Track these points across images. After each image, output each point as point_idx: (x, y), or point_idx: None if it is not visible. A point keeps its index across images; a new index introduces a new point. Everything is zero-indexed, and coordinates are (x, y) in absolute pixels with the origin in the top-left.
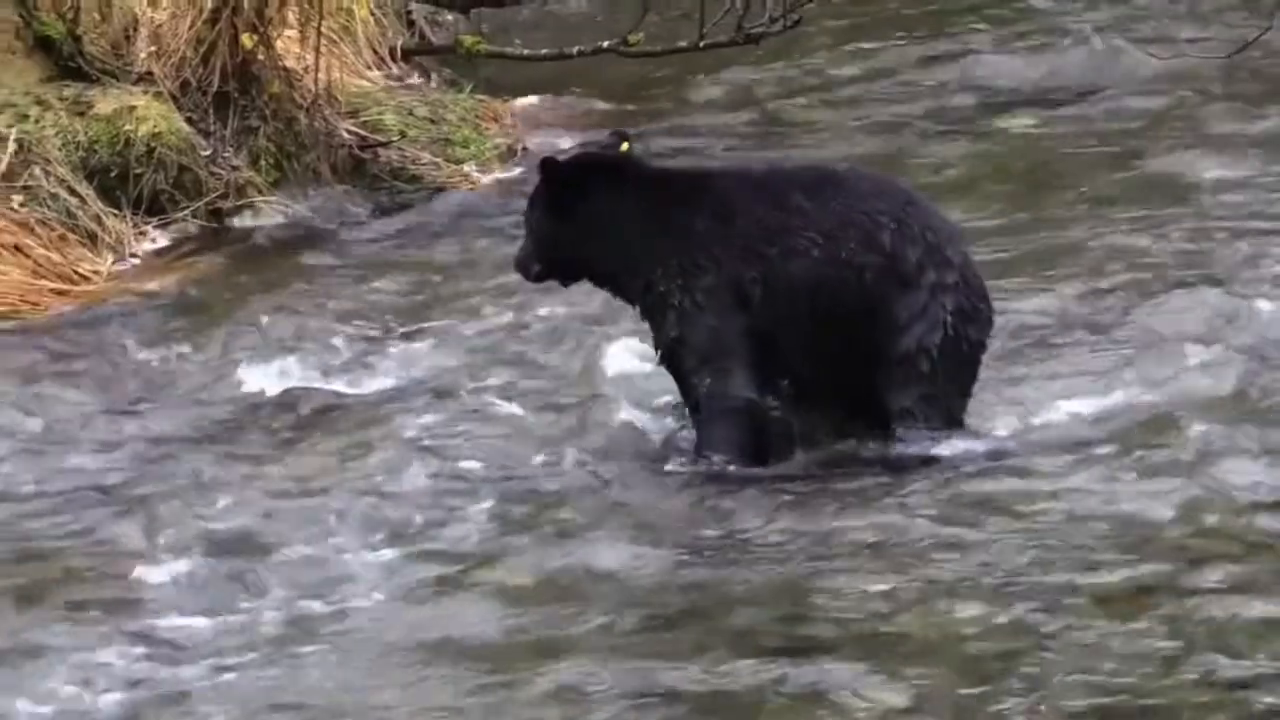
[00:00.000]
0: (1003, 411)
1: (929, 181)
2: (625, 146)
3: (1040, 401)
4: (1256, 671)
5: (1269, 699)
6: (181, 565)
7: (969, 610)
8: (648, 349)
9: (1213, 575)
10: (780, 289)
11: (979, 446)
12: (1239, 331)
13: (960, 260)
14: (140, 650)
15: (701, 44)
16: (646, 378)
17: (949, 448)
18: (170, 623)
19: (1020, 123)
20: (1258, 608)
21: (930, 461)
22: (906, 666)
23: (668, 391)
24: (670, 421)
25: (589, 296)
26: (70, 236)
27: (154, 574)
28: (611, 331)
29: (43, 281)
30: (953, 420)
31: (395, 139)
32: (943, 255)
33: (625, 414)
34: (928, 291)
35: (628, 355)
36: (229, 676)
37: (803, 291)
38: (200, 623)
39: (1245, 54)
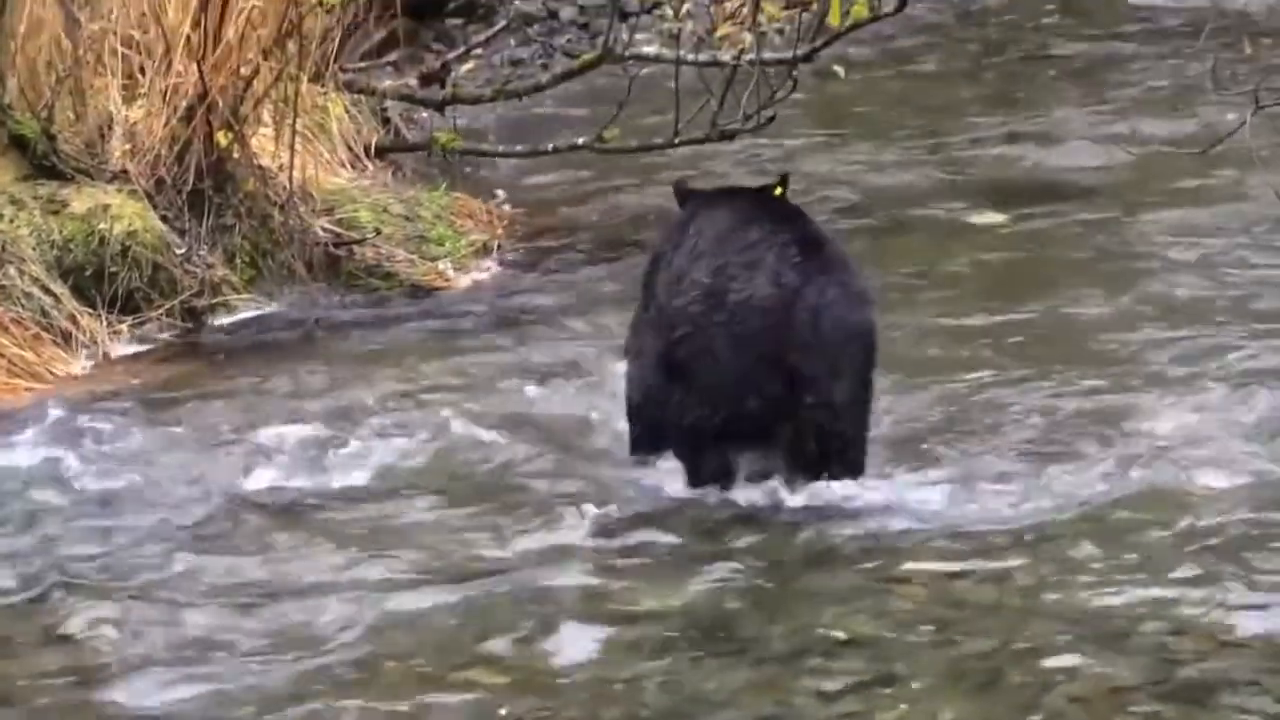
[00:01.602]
0: (966, 498)
1: (898, 280)
2: (779, 190)
3: (1006, 492)
4: None
5: None
6: (152, 664)
7: (945, 713)
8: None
9: (1190, 674)
10: None
11: (938, 534)
12: (1211, 424)
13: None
14: None
15: (676, 140)
16: (625, 478)
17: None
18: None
19: (990, 219)
20: (1236, 706)
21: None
22: None
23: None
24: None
25: (568, 389)
26: (44, 335)
27: (124, 673)
28: (593, 424)
29: (16, 380)
30: None
31: (370, 236)
32: None
33: (603, 512)
34: None
35: (605, 459)
36: None
37: None
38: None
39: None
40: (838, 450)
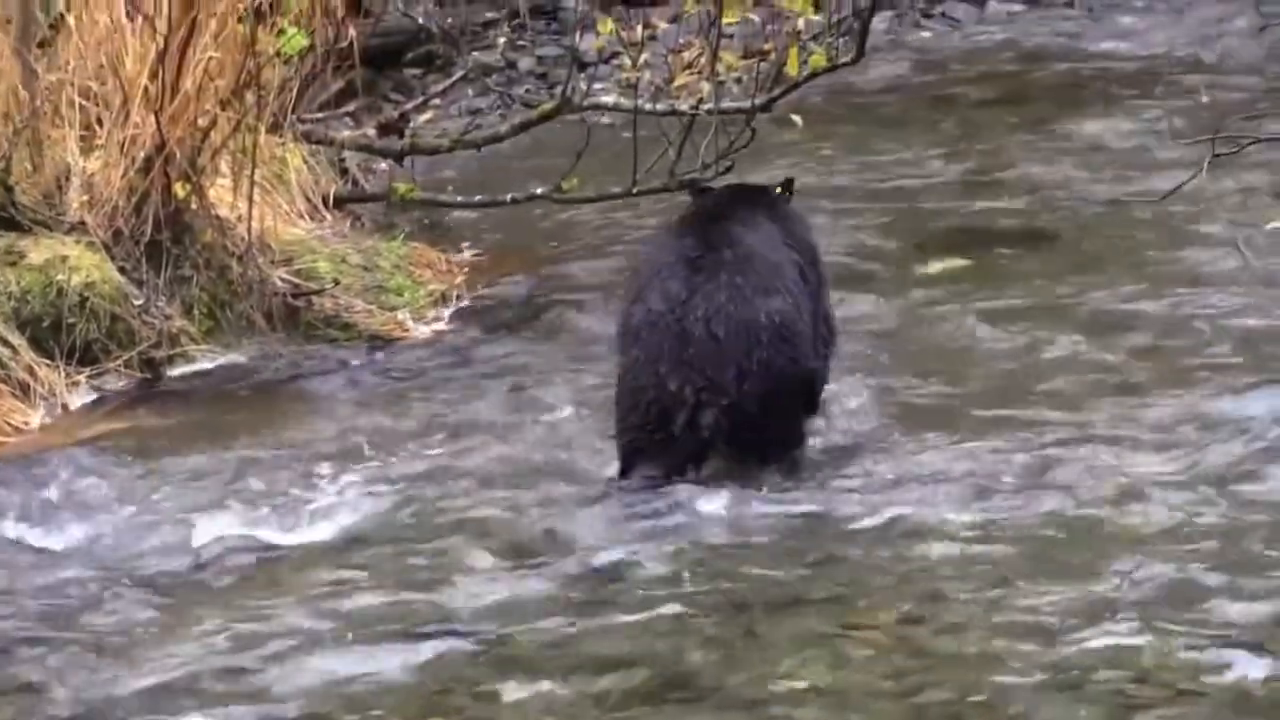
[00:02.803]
0: (922, 545)
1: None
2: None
3: (963, 538)
4: None
5: None
6: (106, 717)
7: None
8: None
9: None
10: None
11: (896, 581)
12: (1168, 470)
13: None
14: None
15: (634, 190)
16: (583, 526)
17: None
18: None
19: (945, 267)
20: None
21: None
22: None
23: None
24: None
25: (526, 439)
26: (2, 387)
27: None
28: (550, 472)
29: None
30: None
31: (328, 287)
32: None
33: (562, 560)
34: None
35: (562, 508)
36: None
37: None
38: None
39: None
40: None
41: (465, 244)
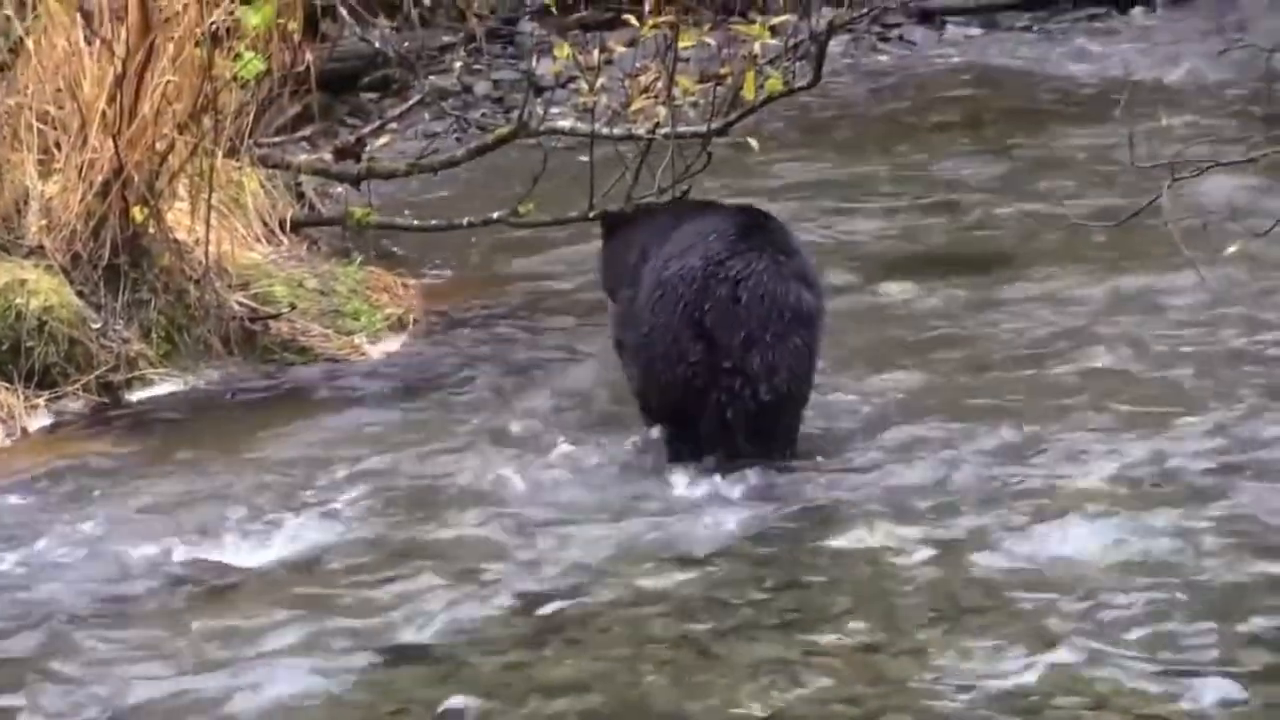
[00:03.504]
0: (883, 568)
1: None
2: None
3: (921, 563)
4: None
5: None
6: None
7: None
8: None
9: None
10: None
11: (855, 605)
12: (1125, 494)
13: None
14: None
15: (591, 214)
16: (539, 546)
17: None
18: None
19: (900, 288)
20: None
21: None
22: None
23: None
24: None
25: (481, 458)
26: None
27: None
28: (506, 492)
29: None
30: None
31: (285, 311)
32: None
33: (519, 581)
34: None
35: (519, 527)
36: None
37: None
38: None
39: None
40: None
41: (424, 268)
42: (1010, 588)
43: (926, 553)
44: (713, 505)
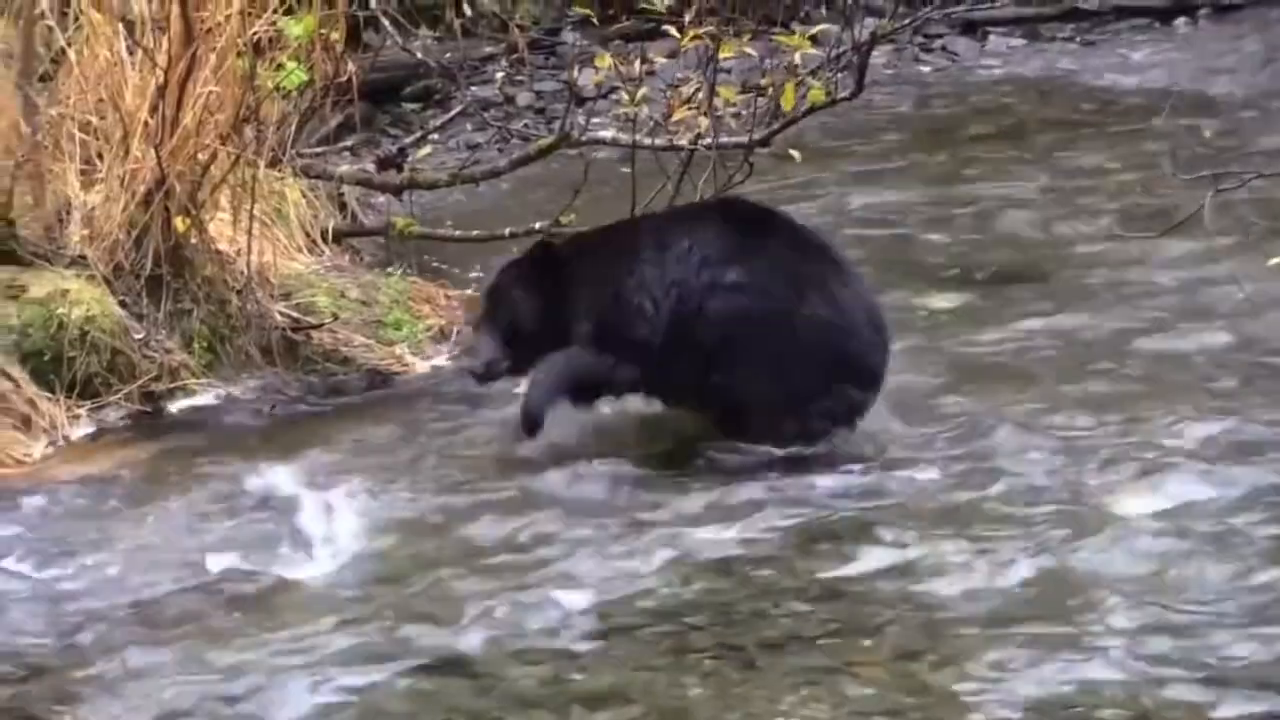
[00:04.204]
0: (927, 577)
1: None
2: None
3: (968, 571)
4: None
5: None
6: None
7: None
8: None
9: None
10: None
11: (898, 613)
12: (1169, 502)
13: None
14: None
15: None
16: (580, 559)
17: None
18: None
19: (942, 297)
20: None
21: None
22: None
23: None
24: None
25: (527, 473)
26: (3, 419)
27: None
28: (550, 504)
29: None
30: None
31: (327, 321)
32: None
33: (562, 594)
34: None
35: (559, 539)
36: None
37: None
38: None
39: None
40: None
41: (464, 279)
42: (1051, 598)
43: (967, 561)
44: (753, 515)
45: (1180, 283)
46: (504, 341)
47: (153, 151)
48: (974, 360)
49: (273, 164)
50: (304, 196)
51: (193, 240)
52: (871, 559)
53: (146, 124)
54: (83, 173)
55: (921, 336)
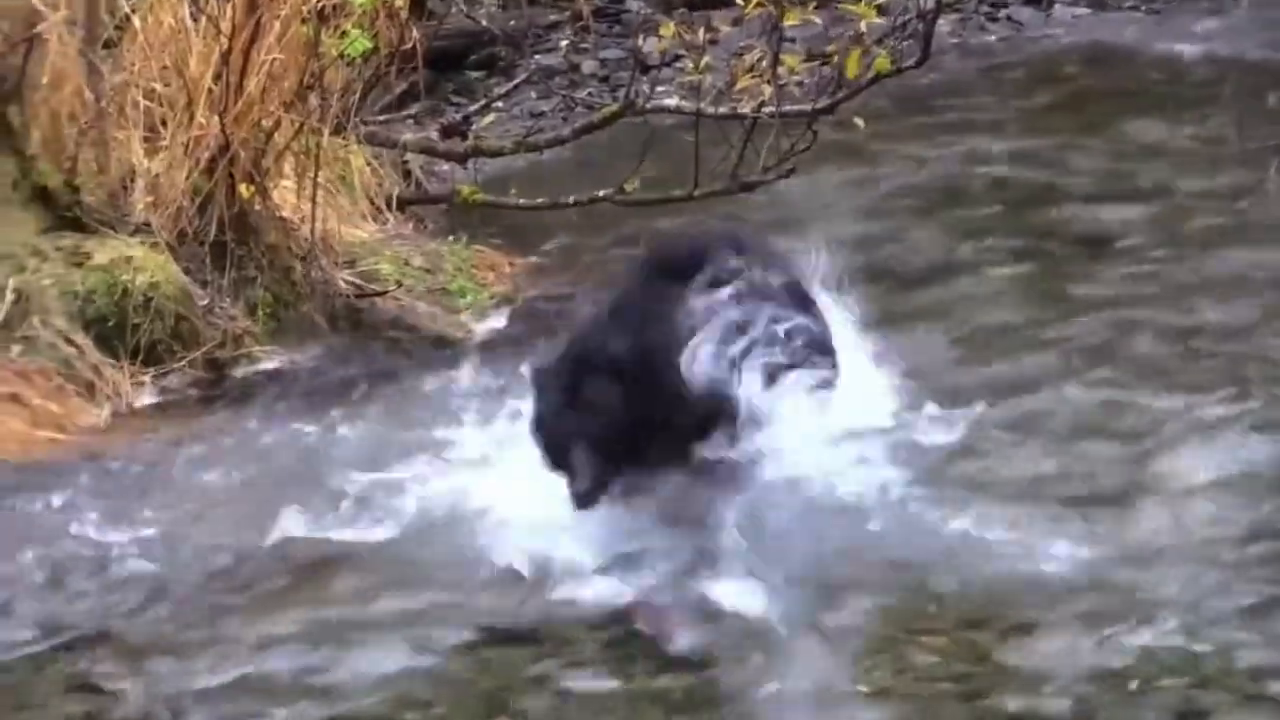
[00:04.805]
0: (988, 545)
1: (919, 337)
2: None
3: (1027, 541)
4: None
5: None
6: (175, 714)
7: None
8: None
9: None
10: None
11: (961, 582)
12: (1238, 466)
13: None
14: None
15: (696, 192)
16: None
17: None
18: None
19: (1007, 270)
20: None
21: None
22: None
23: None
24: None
25: None
26: (68, 386)
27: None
28: None
29: (40, 431)
30: None
31: (392, 289)
32: None
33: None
34: None
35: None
36: None
37: None
38: None
39: None
40: None
41: (528, 247)
42: (1113, 566)
43: (1029, 531)
44: (814, 483)
45: (1247, 251)
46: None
47: (216, 118)
48: (1033, 331)
49: (336, 131)
50: (368, 164)
51: (257, 207)
52: (932, 529)
53: (210, 91)
54: (146, 139)
55: (982, 307)
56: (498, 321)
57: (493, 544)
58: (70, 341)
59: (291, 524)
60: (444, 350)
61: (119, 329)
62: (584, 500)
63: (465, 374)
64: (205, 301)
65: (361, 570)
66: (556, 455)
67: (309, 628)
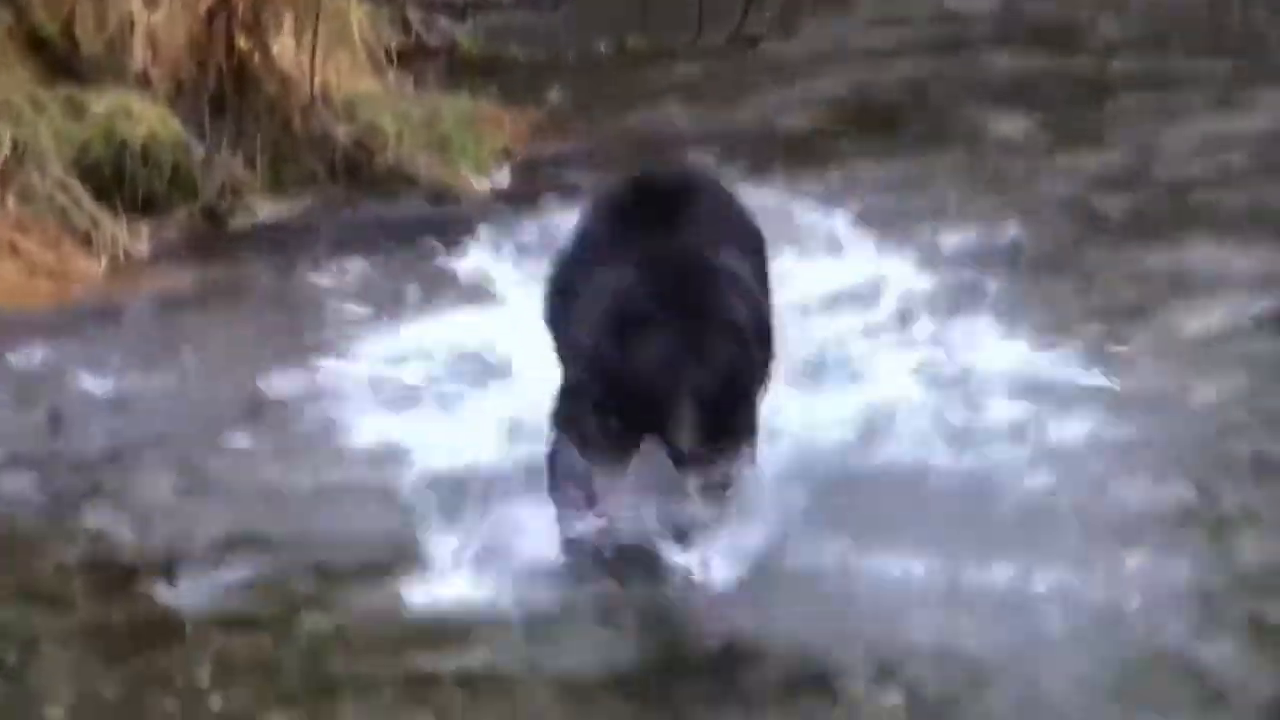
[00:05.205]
0: None
1: None
2: None
3: None
4: None
5: None
6: (173, 560)
7: None
8: None
9: None
10: None
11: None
12: None
13: None
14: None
15: (697, 41)
16: None
17: None
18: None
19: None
20: None
21: None
22: None
23: None
24: None
25: None
26: (64, 236)
27: (144, 567)
28: None
29: (38, 280)
30: None
31: (391, 142)
32: None
33: None
34: None
35: None
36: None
37: None
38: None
39: None
40: None
41: (528, 101)
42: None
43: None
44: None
45: None
46: None
47: None
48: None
49: None
50: (368, 17)
51: (256, 59)
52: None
53: None
54: None
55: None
56: (498, 175)
57: (477, 390)
58: (67, 192)
59: (288, 376)
60: (443, 203)
61: (116, 180)
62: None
63: (465, 227)
64: (203, 153)
65: (358, 420)
66: (654, 397)
67: (305, 478)
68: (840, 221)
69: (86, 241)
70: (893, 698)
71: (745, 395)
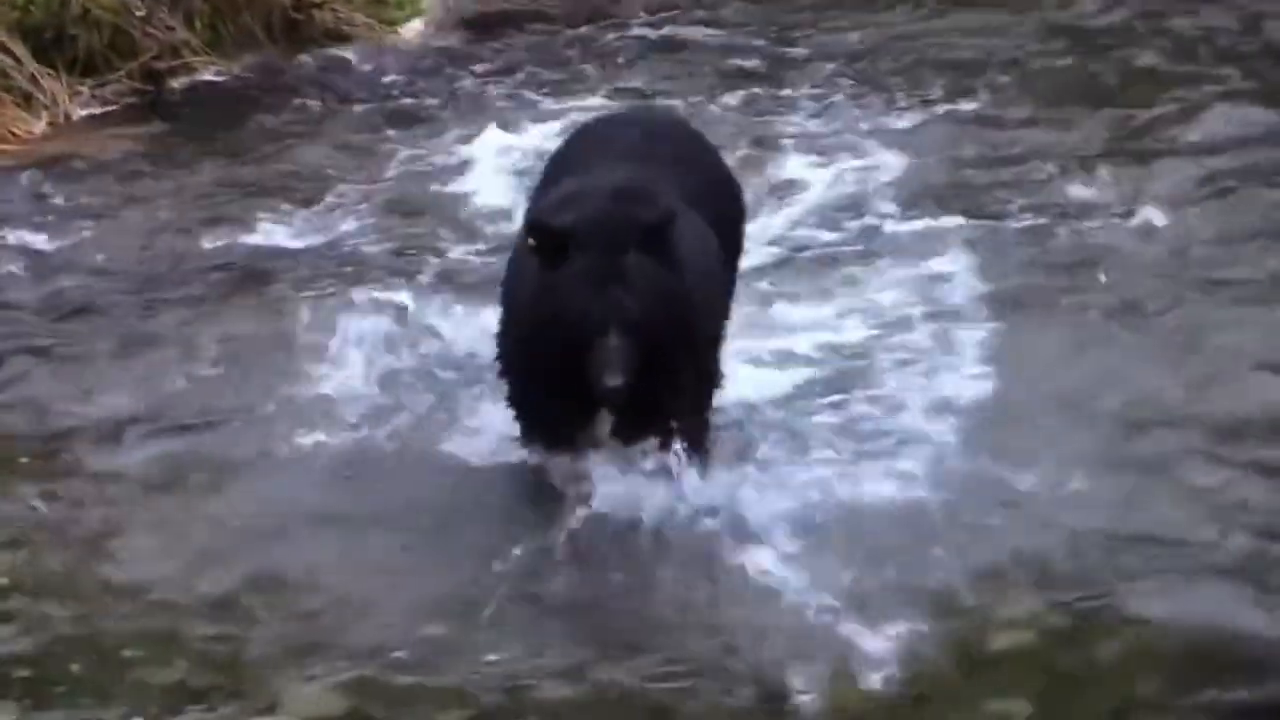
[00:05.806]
0: None
1: None
2: None
3: None
4: None
5: None
6: (116, 423)
7: None
8: None
9: None
10: None
11: None
12: None
13: None
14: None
15: None
16: None
17: None
18: (102, 466)
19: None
20: None
21: None
22: None
23: None
24: None
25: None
26: (4, 96)
27: (84, 432)
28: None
29: None
30: None
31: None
32: None
33: None
34: None
35: None
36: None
37: None
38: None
39: None
40: None
41: None
42: None
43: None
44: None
45: None
46: None
47: None
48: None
49: None
50: None
51: None
52: None
53: None
54: None
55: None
56: (433, 33)
57: (419, 237)
58: (7, 51)
59: (225, 232)
60: (381, 61)
61: (56, 40)
62: (614, 396)
63: (399, 85)
64: (143, 13)
65: (296, 278)
66: (577, 330)
67: (240, 333)
68: None
69: (27, 101)
70: None
71: (683, 332)
